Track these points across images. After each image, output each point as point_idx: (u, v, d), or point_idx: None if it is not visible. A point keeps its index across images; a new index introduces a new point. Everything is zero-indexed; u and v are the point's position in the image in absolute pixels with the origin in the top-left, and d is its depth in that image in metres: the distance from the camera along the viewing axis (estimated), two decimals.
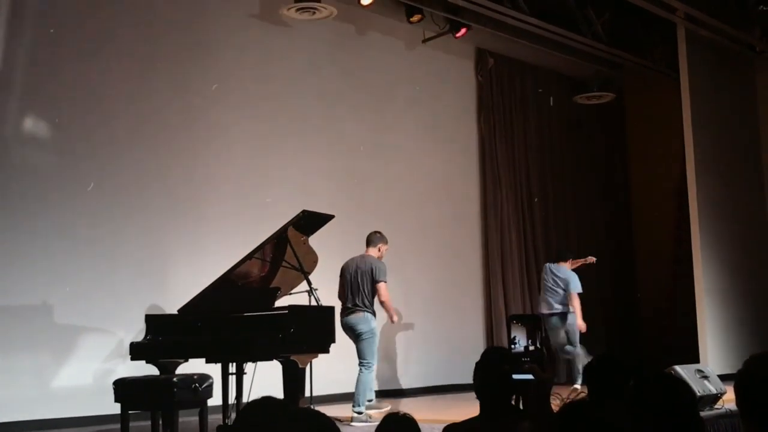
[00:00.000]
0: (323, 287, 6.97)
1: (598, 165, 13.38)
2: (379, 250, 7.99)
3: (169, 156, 8.65)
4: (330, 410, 7.52)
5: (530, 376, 3.24)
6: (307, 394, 6.94)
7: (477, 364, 3.29)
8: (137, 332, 7.21)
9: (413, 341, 10.53)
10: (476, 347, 10.28)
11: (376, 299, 7.78)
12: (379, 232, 8.10)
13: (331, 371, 8.09)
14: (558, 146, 12.74)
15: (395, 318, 7.96)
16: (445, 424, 3.35)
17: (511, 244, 11.66)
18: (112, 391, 6.24)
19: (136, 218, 8.32)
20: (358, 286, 7.73)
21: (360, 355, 7.69)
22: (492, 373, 3.22)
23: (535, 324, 3.28)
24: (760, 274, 11.57)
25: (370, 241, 8.03)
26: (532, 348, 2.90)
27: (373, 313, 7.74)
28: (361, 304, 7.70)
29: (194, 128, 8.88)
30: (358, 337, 7.68)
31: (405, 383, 10.35)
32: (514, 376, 3.21)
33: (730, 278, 10.73)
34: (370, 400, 7.66)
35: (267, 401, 2.55)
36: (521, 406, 3.29)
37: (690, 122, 10.48)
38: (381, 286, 7.71)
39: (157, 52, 8.67)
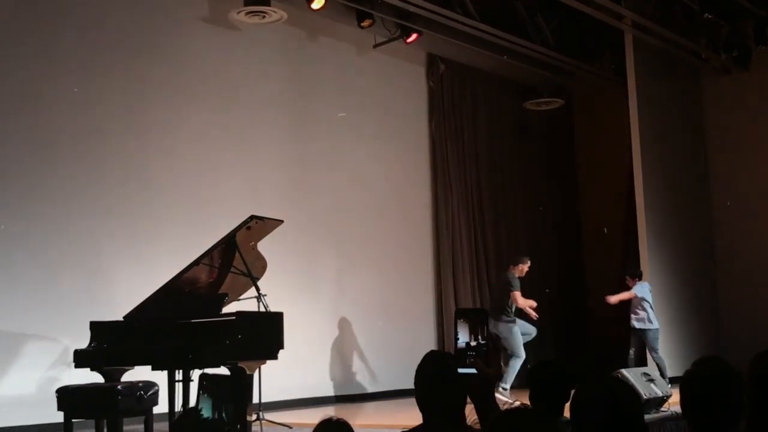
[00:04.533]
0: (272, 293, 6.92)
1: (547, 170, 13.46)
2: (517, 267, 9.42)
3: (112, 160, 8.52)
4: (280, 417, 7.48)
5: (473, 371, 3.20)
6: (256, 400, 6.89)
7: (416, 374, 3.24)
8: (83, 339, 7.07)
9: (367, 346, 10.50)
10: (427, 350, 10.28)
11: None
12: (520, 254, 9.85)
13: (283, 377, 8.04)
14: (508, 151, 12.81)
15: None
16: (390, 430, 3.32)
17: (462, 248, 11.70)
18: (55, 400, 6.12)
19: (78, 222, 8.16)
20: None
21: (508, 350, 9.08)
22: (428, 382, 3.17)
23: (478, 318, 3.22)
24: (706, 279, 11.76)
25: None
26: (473, 343, 2.89)
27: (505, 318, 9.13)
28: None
29: (141, 132, 8.75)
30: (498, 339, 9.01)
31: (360, 388, 10.32)
32: (459, 370, 3.17)
33: (677, 282, 10.88)
34: (505, 389, 8.73)
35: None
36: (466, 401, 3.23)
37: (637, 127, 10.61)
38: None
39: (103, 54, 8.54)
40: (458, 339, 3.34)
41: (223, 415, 2.59)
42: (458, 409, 3.14)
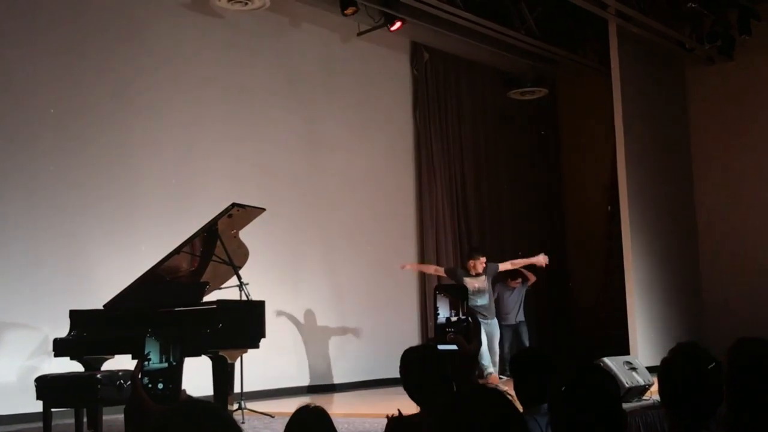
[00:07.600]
0: (254, 282, 6.89)
1: (531, 159, 13.47)
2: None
3: (94, 147, 8.43)
4: (262, 406, 7.45)
5: (454, 347, 3.20)
6: (237, 390, 6.85)
7: (401, 373, 3.23)
8: (63, 328, 7.02)
9: (350, 336, 10.48)
10: (410, 341, 10.28)
11: None
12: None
13: (265, 367, 8.01)
14: (492, 140, 12.80)
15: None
16: (371, 419, 3.30)
17: (446, 237, 11.69)
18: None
19: (58, 210, 8.08)
20: None
21: None
22: (415, 374, 3.16)
23: (459, 294, 3.18)
24: (689, 268, 11.79)
25: None
26: (454, 319, 2.86)
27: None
28: None
29: (122, 119, 8.67)
30: None
31: (338, 378, 10.30)
32: (439, 347, 3.17)
33: (660, 272, 10.90)
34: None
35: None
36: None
37: (621, 117, 10.61)
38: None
39: (85, 41, 8.45)
40: (438, 314, 3.33)
41: (171, 359, 2.51)
42: (449, 389, 3.14)
